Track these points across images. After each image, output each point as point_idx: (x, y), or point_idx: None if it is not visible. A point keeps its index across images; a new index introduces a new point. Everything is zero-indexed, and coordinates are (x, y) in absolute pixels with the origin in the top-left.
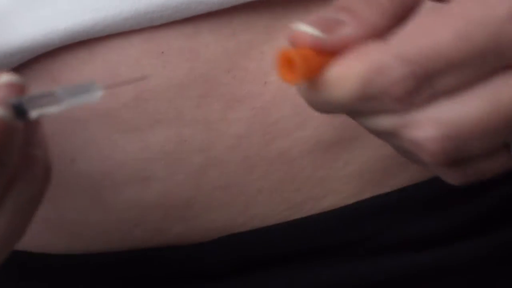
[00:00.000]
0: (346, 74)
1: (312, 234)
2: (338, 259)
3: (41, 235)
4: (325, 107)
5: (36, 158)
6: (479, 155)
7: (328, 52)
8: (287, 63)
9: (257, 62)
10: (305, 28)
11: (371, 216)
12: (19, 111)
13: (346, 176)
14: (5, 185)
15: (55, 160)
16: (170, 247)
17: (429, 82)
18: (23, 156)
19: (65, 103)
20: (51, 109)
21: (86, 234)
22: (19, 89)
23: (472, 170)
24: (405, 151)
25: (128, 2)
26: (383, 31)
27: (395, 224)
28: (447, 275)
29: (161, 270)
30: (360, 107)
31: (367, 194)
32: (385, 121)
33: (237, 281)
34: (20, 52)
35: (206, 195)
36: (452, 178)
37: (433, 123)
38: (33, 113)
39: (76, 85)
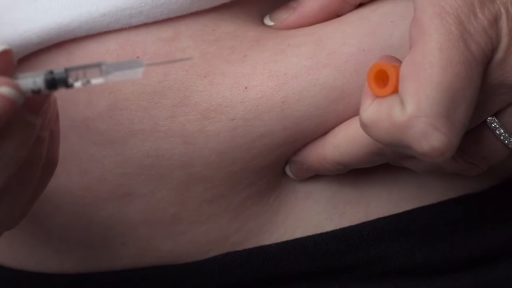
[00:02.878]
0: None
1: (314, 256)
2: (343, 282)
3: (32, 254)
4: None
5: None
6: None
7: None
8: (379, 76)
9: (237, 65)
10: None
11: (381, 239)
12: (62, 81)
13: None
14: None
15: None
16: (166, 266)
17: None
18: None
19: (109, 76)
20: (96, 81)
21: (76, 252)
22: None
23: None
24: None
25: None
26: None
27: (406, 248)
28: None
29: None
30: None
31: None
32: None
33: None
34: None
35: (193, 209)
36: None
37: None
38: (76, 84)
39: (120, 62)
